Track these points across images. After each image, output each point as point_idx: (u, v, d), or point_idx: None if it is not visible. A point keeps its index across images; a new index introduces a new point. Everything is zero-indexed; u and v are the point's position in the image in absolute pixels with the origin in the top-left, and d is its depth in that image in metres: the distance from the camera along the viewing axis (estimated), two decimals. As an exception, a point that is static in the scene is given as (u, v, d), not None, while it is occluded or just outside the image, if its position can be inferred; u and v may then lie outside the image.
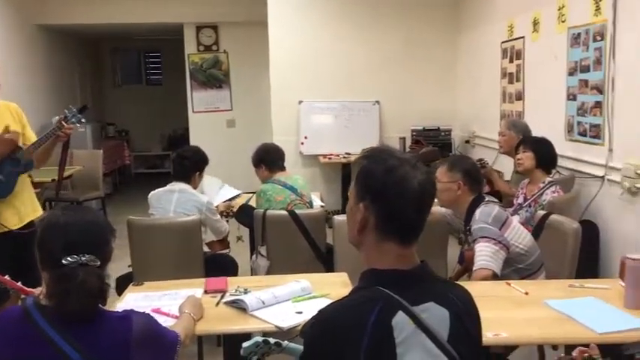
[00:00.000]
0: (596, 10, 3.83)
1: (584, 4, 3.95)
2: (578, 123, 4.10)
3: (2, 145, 2.84)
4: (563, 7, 4.29)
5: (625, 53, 3.56)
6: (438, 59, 6.86)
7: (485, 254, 2.52)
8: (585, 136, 4.02)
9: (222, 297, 2.38)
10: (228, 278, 2.62)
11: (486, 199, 2.79)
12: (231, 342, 2.30)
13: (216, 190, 4.21)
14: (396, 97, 6.85)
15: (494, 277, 2.50)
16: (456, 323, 1.32)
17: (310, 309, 2.21)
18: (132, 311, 1.65)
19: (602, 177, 3.79)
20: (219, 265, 3.43)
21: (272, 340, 1.65)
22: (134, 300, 2.40)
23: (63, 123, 3.01)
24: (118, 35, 9.99)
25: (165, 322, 2.10)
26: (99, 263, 1.55)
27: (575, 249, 2.74)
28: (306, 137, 6.78)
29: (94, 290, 1.53)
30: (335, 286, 2.48)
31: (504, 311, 2.07)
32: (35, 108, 6.91)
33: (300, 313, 2.19)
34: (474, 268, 2.53)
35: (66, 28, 8.31)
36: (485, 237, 2.57)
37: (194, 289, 2.48)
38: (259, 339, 1.63)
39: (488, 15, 5.92)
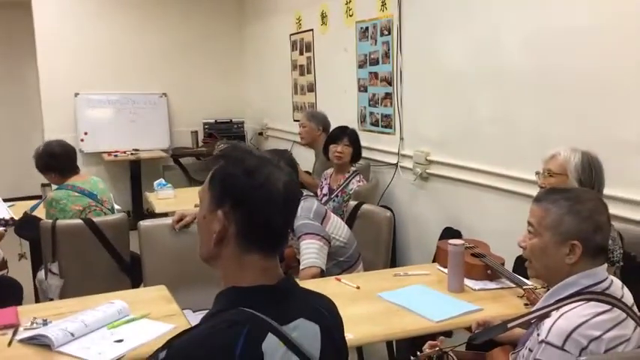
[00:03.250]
0: (382, 5, 4.03)
1: (370, -1, 4.14)
2: (370, 113, 4.30)
3: None
4: (350, 1, 4.45)
5: (410, 47, 3.81)
6: (226, 50, 6.74)
7: (311, 251, 2.47)
8: (378, 126, 4.23)
9: (14, 333, 1.95)
10: (19, 308, 2.18)
11: (304, 193, 2.74)
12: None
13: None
14: (184, 89, 6.58)
15: (322, 273, 2.47)
16: (326, 338, 1.21)
17: (132, 335, 1.93)
18: None
19: (396, 164, 4.03)
20: (-2, 291, 2.87)
21: None
22: None
23: None
24: None
25: (-61, 378, 1.65)
26: None
27: (389, 237, 2.84)
28: (86, 133, 6.15)
29: None
30: (154, 302, 2.21)
31: (342, 309, 2.00)
32: None
33: (121, 341, 1.88)
34: (302, 267, 2.46)
35: None
36: (310, 233, 2.51)
37: (-26, 328, 2.00)
38: None
39: (275, 6, 5.94)
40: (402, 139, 3.96)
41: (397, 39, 3.88)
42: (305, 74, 5.35)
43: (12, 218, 3.23)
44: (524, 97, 2.92)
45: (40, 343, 1.86)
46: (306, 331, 1.16)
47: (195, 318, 2.21)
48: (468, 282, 2.19)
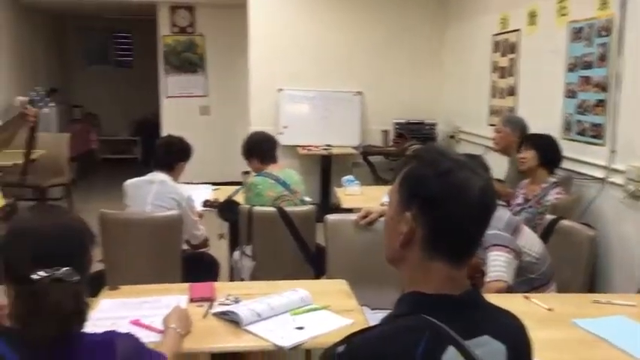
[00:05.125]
0: (602, 4, 3.65)
1: (587, -3, 3.78)
2: (577, 121, 3.93)
3: None
4: (564, 0, 4.11)
5: (633, 50, 3.40)
6: (424, 50, 6.67)
7: (499, 264, 2.32)
8: (584, 135, 3.86)
9: (210, 307, 2.12)
10: (215, 284, 2.36)
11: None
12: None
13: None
14: (379, 88, 6.65)
15: (508, 289, 2.31)
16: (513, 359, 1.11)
17: (312, 324, 1.98)
18: (114, 333, 1.39)
19: (603, 179, 3.64)
20: (199, 266, 3.16)
21: None
22: (109, 308, 2.12)
23: (28, 106, 2.68)
24: (85, 13, 9.51)
25: (147, 336, 1.83)
26: (76, 278, 1.28)
27: (590, 258, 2.58)
28: (285, 127, 6.51)
29: (70, 312, 1.26)
30: (335, 295, 2.24)
31: (529, 331, 1.86)
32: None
33: (301, 328, 1.94)
34: (487, 280, 2.32)
35: (32, 3, 7.82)
36: (499, 245, 2.37)
37: (177, 296, 2.21)
38: None
39: (480, 6, 5.73)
40: (613, 151, 3.55)
41: (617, 40, 3.49)
42: (505, 77, 5.08)
43: (216, 200, 3.54)
44: None
45: (230, 319, 1.99)
46: (491, 350, 1.07)
47: (372, 316, 2.21)
48: (686, 322, 1.88)
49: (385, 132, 6.55)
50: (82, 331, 1.33)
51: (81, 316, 1.29)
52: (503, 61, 5.12)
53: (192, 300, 2.18)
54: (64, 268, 1.26)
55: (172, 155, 3.23)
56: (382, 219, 2.71)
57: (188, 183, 4.46)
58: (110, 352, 1.31)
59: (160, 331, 1.86)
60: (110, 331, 1.39)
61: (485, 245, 2.43)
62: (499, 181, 4.24)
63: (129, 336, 1.42)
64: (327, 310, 2.09)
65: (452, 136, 6.35)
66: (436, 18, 6.63)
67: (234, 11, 7.15)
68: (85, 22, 10.16)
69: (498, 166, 4.41)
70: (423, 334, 1.01)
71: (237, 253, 3.32)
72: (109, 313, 2.05)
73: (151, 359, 1.45)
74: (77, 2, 7.81)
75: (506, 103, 5.06)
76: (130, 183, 3.23)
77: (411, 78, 6.66)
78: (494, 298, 2.15)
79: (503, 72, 5.12)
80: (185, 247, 3.31)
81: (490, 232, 2.43)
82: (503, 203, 2.66)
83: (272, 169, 3.37)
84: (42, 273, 1.24)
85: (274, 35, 6.48)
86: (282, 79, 6.53)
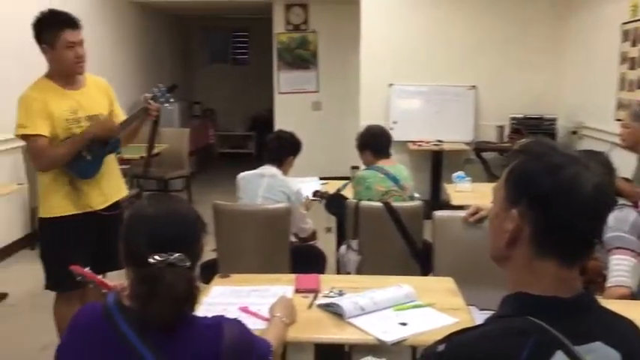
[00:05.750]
0: None
1: None
2: None
3: (104, 129, 2.75)
4: None
5: None
6: (544, 42, 6.33)
7: (622, 269, 2.16)
8: None
9: (314, 298, 2.15)
10: (321, 276, 2.40)
11: (620, 202, 2.40)
12: (323, 353, 2.07)
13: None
14: (494, 81, 6.40)
15: (631, 296, 2.14)
16: None
17: (416, 320, 1.95)
18: (222, 318, 1.45)
19: None
20: (306, 258, 3.22)
21: None
22: (220, 294, 2.22)
23: (151, 102, 2.87)
24: (207, 14, 10.00)
25: (253, 324, 1.89)
26: (189, 264, 1.35)
27: None
28: (395, 122, 6.46)
29: (182, 295, 1.33)
30: (440, 293, 2.20)
31: (654, 342, 1.71)
32: (126, 84, 7.00)
33: (405, 324, 1.92)
34: (609, 285, 2.17)
35: (157, 5, 8.36)
36: (622, 248, 2.20)
37: (284, 286, 2.27)
38: None
39: (607, -7, 5.36)
40: None
41: None
42: (636, 68, 4.71)
43: (327, 192, 3.60)
44: None
45: (334, 311, 2.01)
46: (603, 357, 1.01)
47: (480, 316, 2.14)
48: None
49: (500, 127, 6.30)
50: (193, 314, 1.40)
51: (192, 299, 1.37)
52: (634, 52, 4.75)
53: (297, 290, 2.22)
54: (177, 254, 1.33)
55: (282, 150, 3.32)
56: (492, 216, 2.61)
57: (297, 177, 4.56)
58: (218, 335, 1.37)
59: (266, 319, 1.92)
60: (219, 316, 1.46)
61: (608, 248, 2.28)
62: (626, 180, 3.94)
63: (236, 321, 1.47)
64: (432, 307, 2.05)
65: (574, 132, 5.98)
66: (557, 7, 6.27)
67: (347, 7, 7.19)
68: (206, 23, 10.69)
69: (626, 164, 4.09)
70: (528, 337, 0.97)
71: (343, 247, 3.35)
72: (219, 299, 2.15)
73: (255, 345, 1.50)
74: (200, 3, 8.22)
75: (637, 96, 4.70)
76: (242, 176, 3.36)
77: (529, 71, 6.34)
78: (614, 305, 2.00)
79: (634, 63, 4.76)
80: (293, 239, 3.39)
81: (613, 234, 2.27)
82: (629, 204, 2.46)
83: (383, 163, 3.36)
84: (157, 257, 1.32)
85: (386, 30, 6.44)
86: (394, 74, 6.48)
